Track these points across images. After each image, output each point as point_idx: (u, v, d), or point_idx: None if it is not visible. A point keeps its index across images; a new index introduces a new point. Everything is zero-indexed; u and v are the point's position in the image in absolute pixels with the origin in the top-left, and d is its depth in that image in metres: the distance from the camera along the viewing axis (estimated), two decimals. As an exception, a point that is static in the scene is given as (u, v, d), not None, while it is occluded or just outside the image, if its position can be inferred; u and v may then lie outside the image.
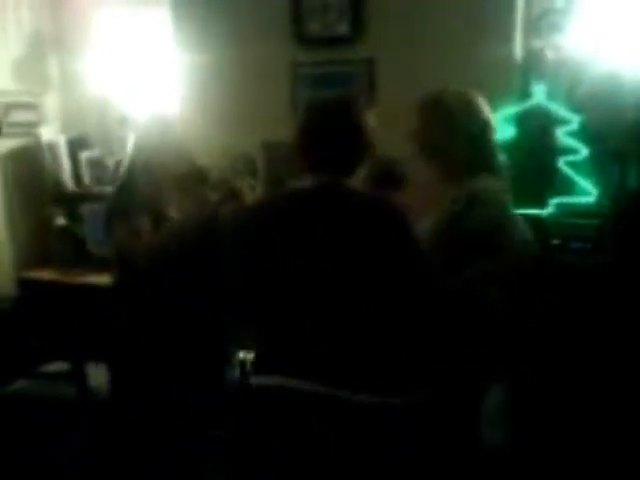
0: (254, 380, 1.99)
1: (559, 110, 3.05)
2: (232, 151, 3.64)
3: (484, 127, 2.23)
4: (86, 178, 3.99)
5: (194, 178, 2.84)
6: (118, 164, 3.72)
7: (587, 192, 3.06)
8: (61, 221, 3.93)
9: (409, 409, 1.95)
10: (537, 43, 3.04)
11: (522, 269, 2.31)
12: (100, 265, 3.65)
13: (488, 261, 2.13)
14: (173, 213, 2.63)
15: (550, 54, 2.99)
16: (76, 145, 3.99)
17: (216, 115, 3.66)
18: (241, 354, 2.97)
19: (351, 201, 1.92)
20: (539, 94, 3.06)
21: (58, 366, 3.13)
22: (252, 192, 3.67)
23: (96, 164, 3.98)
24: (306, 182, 1.97)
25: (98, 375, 3.07)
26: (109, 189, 3.25)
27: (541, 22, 3.00)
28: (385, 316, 1.88)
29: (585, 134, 3.00)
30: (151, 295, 2.52)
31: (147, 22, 3.79)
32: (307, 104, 2.10)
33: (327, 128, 1.95)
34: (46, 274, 3.86)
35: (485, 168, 2.20)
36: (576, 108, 2.99)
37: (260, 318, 2.01)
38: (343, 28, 3.45)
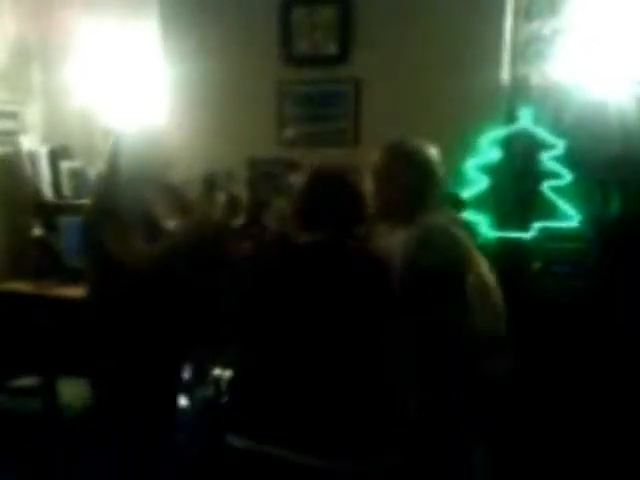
0: (227, 440, 2.00)
1: (544, 135, 3.14)
2: (215, 166, 3.67)
3: (425, 172, 2.29)
4: (66, 189, 4.01)
5: (207, 185, 2.91)
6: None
7: (570, 216, 3.14)
8: (38, 232, 3.93)
9: (377, 475, 1.95)
10: (524, 69, 3.14)
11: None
12: (75, 278, 3.66)
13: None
14: (167, 225, 2.65)
15: (536, 80, 3.09)
16: (57, 155, 4.01)
17: (201, 130, 3.70)
18: (217, 371, 2.98)
19: (351, 257, 2.05)
20: (525, 119, 3.16)
21: (30, 380, 3.11)
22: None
23: (77, 175, 4.01)
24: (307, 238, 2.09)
25: (71, 390, 3.06)
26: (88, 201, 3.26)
27: (528, 49, 3.10)
28: (370, 379, 1.96)
29: (569, 160, 3.08)
30: (144, 305, 2.53)
31: (134, 34, 3.83)
32: (311, 171, 2.20)
33: (330, 196, 2.10)
34: (20, 286, 3.85)
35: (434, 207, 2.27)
36: (561, 134, 3.07)
37: (247, 361, 2.08)
38: (331, 48, 3.52)
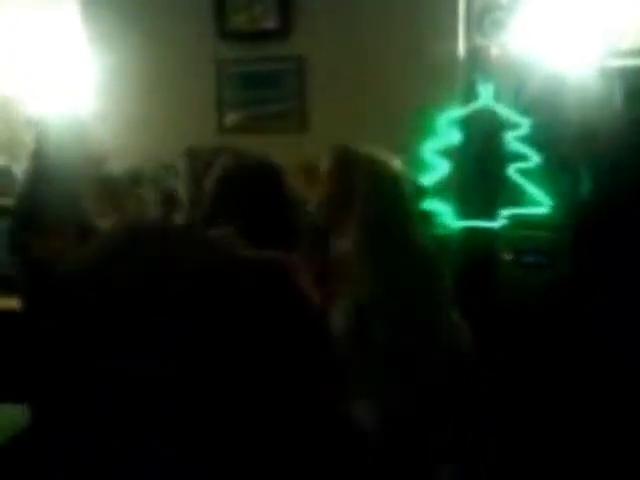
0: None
1: (507, 113, 2.96)
2: (151, 158, 3.48)
3: (397, 197, 1.94)
4: (-11, 191, 3.76)
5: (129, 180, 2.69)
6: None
7: (540, 202, 2.97)
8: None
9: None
10: (480, 41, 2.94)
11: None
12: (6, 287, 3.44)
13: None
14: (100, 222, 2.44)
15: (495, 52, 2.88)
16: (-24, 154, 3.76)
17: (133, 121, 3.49)
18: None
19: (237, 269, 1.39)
20: (485, 96, 2.97)
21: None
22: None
23: (0, 174, 3.76)
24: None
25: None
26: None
27: (484, 19, 2.89)
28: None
29: (535, 139, 2.89)
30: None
31: (54, 18, 3.57)
32: (220, 171, 1.75)
33: (238, 189, 1.66)
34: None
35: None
36: (524, 111, 2.88)
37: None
38: (271, 22, 3.30)
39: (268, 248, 1.48)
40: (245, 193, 1.65)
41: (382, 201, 1.91)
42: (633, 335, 2.72)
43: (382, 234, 1.88)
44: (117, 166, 2.94)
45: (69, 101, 3.60)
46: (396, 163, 1.94)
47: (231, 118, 3.46)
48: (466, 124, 3.01)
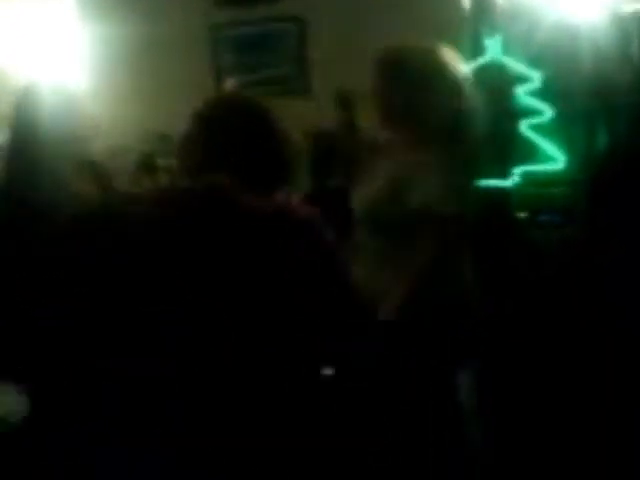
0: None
1: (517, 66, 2.84)
2: (149, 130, 3.40)
3: (457, 92, 1.95)
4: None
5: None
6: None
7: (554, 158, 2.87)
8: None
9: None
10: (486, -10, 2.80)
11: None
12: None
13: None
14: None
15: (501, 2, 2.74)
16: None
17: (129, 91, 3.42)
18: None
19: (240, 211, 1.43)
20: (493, 49, 2.85)
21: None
22: (170, 174, 3.43)
23: None
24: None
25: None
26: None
27: (489, -35, 2.76)
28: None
29: (547, 92, 2.77)
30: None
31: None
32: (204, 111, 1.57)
33: (224, 130, 1.50)
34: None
35: (448, 139, 1.93)
36: (534, 63, 2.76)
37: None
38: (265, -19, 3.19)
39: (262, 186, 1.47)
40: (235, 130, 1.51)
41: None
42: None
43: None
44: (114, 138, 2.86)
45: (60, 72, 3.51)
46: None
47: (229, 85, 3.35)
48: (474, 79, 2.88)
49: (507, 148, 2.92)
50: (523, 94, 2.84)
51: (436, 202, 1.83)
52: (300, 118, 2.80)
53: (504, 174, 2.93)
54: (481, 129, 2.08)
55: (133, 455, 1.31)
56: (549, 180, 2.90)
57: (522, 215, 2.97)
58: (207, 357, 1.32)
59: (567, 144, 2.86)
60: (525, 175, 2.93)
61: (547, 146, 2.86)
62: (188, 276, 1.35)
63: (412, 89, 1.92)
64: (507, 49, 2.84)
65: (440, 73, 1.93)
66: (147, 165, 3.11)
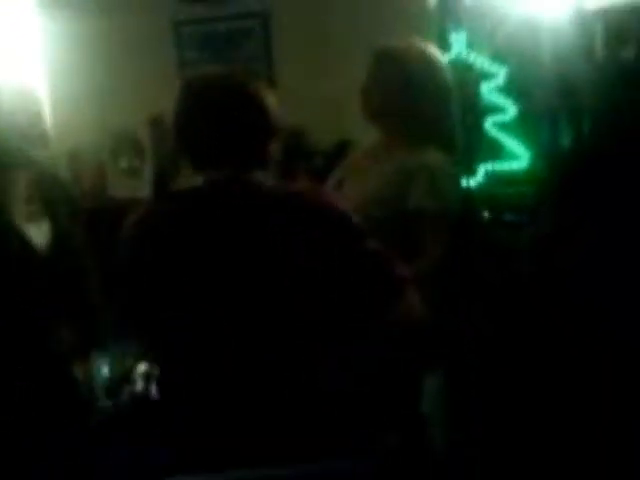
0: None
1: (482, 62, 2.84)
2: (111, 129, 3.36)
3: (446, 93, 2.05)
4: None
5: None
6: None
7: (518, 156, 2.86)
8: None
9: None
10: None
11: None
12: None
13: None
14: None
15: (467, -2, 2.77)
16: None
17: (91, 89, 3.34)
18: (143, 367, 2.69)
19: (264, 200, 1.49)
20: (458, 44, 2.85)
21: None
22: (134, 176, 3.38)
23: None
24: (196, 182, 1.55)
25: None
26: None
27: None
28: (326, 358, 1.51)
29: (511, 89, 2.77)
30: None
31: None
32: (185, 81, 1.63)
33: (215, 109, 1.52)
34: None
35: (438, 141, 2.00)
36: (499, 59, 2.77)
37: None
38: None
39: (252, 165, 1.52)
40: (228, 112, 1.50)
41: None
42: (617, 288, 2.61)
43: None
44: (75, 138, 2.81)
45: (18, 71, 3.44)
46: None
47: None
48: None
49: (471, 145, 2.91)
50: (488, 91, 2.84)
51: (432, 204, 1.89)
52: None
53: (468, 172, 2.91)
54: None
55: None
56: (513, 179, 2.89)
57: (486, 214, 2.95)
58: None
59: (532, 141, 2.85)
60: (489, 173, 2.92)
61: (511, 143, 2.86)
62: (233, 271, 1.44)
63: (409, 88, 1.98)
64: (472, 45, 2.85)
65: (435, 74, 2.02)
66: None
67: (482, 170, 2.92)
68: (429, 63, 2.01)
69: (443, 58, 2.08)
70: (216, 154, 1.52)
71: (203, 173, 1.54)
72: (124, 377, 2.70)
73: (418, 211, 1.90)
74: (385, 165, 1.98)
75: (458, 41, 2.85)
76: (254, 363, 1.43)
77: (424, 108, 1.98)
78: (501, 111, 2.85)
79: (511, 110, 2.83)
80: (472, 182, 2.92)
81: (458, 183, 2.11)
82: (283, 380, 1.43)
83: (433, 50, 2.06)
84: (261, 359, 1.43)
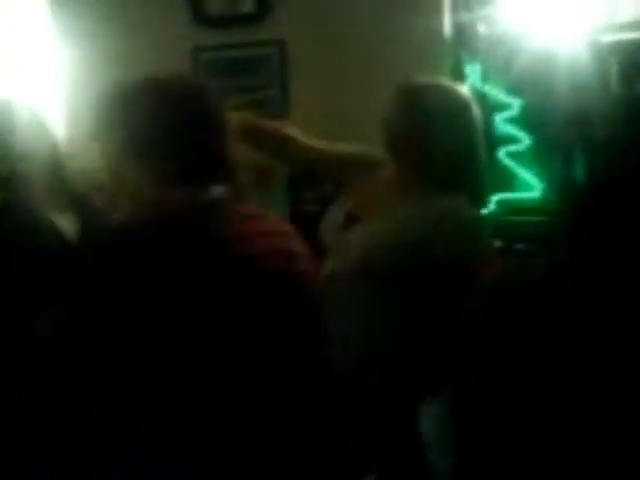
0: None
1: (496, 93, 2.87)
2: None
3: (470, 137, 1.96)
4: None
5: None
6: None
7: (531, 186, 2.89)
8: None
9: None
10: (467, 17, 2.83)
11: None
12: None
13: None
14: None
15: (482, 29, 2.78)
16: None
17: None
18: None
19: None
20: (473, 75, 2.89)
21: None
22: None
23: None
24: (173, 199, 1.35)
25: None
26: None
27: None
28: None
29: (525, 120, 2.79)
30: None
31: (20, 13, 3.43)
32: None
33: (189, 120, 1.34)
34: None
35: (461, 186, 1.94)
36: (514, 91, 2.79)
37: None
38: (248, 5, 3.21)
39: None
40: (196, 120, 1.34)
41: None
42: (630, 320, 2.61)
43: None
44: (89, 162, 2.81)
45: (35, 90, 3.46)
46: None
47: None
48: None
49: (485, 175, 2.93)
50: (502, 121, 2.86)
51: (463, 250, 1.84)
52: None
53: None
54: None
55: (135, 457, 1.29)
56: (525, 208, 2.91)
57: (498, 243, 2.95)
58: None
59: (544, 172, 2.87)
60: (501, 203, 2.93)
61: (524, 174, 2.87)
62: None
63: (432, 126, 1.90)
64: (487, 76, 2.88)
65: (454, 116, 1.93)
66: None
67: (494, 199, 2.93)
68: (455, 105, 1.94)
69: (472, 100, 1.98)
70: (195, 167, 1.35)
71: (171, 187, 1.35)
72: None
73: (450, 257, 1.83)
74: (405, 208, 1.91)
75: (473, 72, 2.88)
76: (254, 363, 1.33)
77: (447, 148, 1.90)
78: (515, 141, 2.87)
79: (525, 141, 2.85)
80: (484, 211, 2.93)
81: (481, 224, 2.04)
82: (283, 380, 1.35)
83: (463, 90, 2.02)
84: (261, 359, 1.32)
